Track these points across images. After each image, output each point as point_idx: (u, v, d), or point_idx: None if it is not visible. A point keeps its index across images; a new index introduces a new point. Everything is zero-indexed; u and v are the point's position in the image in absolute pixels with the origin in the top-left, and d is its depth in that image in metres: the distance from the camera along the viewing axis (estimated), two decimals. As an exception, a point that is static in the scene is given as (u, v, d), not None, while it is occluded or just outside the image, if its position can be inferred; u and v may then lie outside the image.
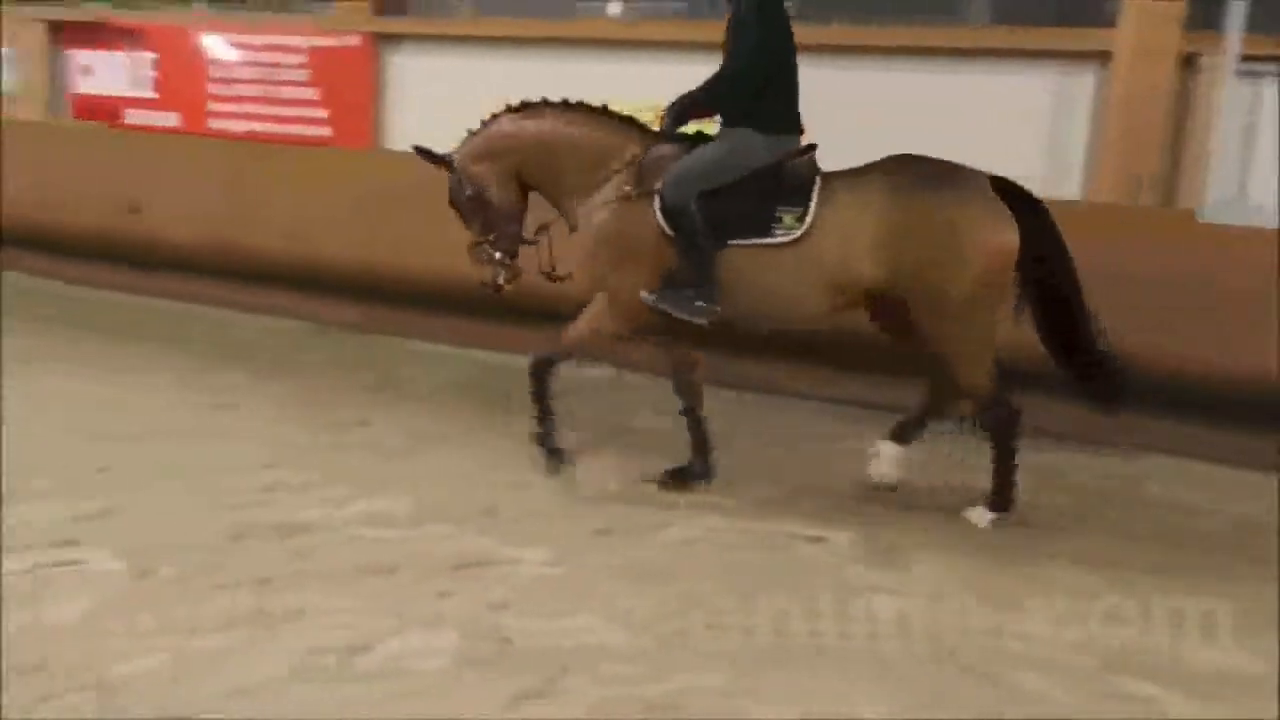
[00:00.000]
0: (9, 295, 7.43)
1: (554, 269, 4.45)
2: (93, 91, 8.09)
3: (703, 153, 4.22)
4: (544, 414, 4.39)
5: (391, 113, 8.41)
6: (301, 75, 8.28)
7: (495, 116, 4.47)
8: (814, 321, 4.27)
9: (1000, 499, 4.18)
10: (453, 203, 4.46)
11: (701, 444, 4.49)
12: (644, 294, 4.20)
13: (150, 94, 7.96)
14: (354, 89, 8.14)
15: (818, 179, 4.14)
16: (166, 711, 2.70)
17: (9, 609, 3.15)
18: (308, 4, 8.37)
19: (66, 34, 8.18)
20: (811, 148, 4.25)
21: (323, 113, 8.28)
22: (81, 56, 8.08)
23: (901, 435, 4.38)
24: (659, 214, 4.17)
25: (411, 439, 4.39)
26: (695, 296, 4.13)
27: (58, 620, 3.12)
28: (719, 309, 4.15)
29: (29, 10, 8.48)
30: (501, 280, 4.42)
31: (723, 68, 4.19)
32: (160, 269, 7.47)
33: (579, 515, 4.04)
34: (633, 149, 4.30)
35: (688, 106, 4.21)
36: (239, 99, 7.91)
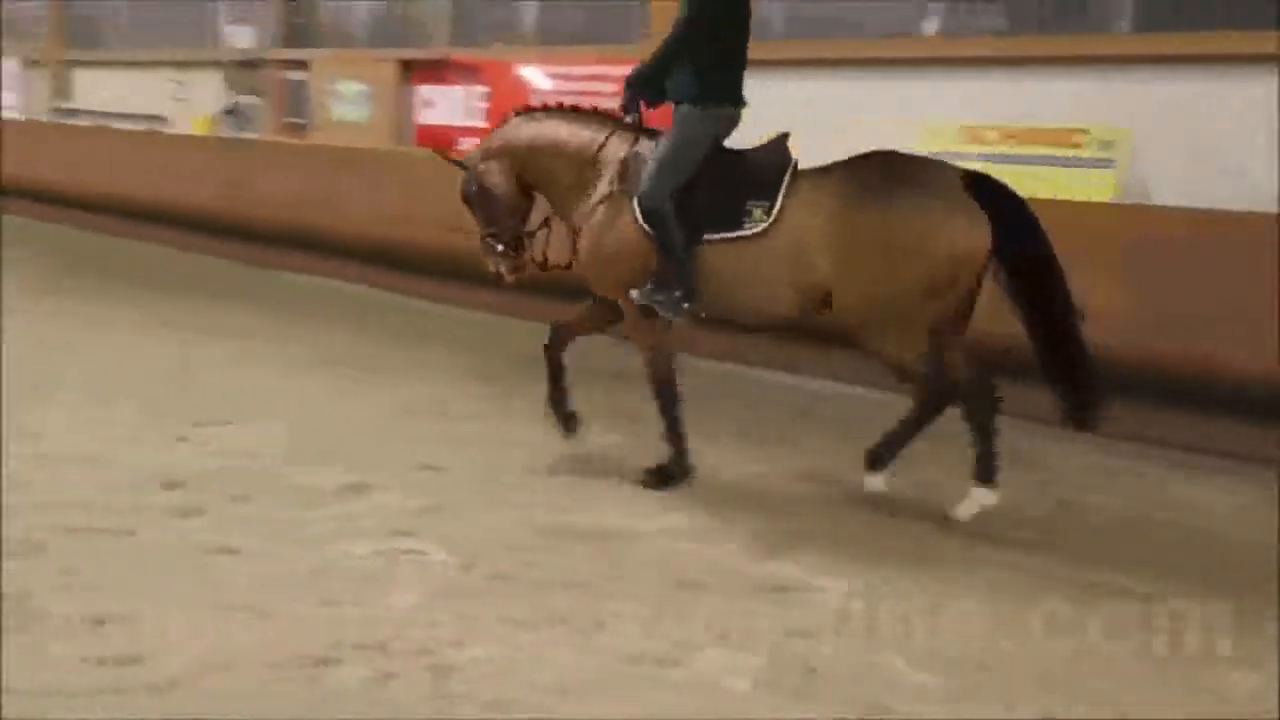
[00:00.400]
0: (357, 308, 8.25)
1: (545, 259, 4.70)
2: (433, 122, 8.86)
3: (660, 148, 4.33)
4: (675, 426, 4.45)
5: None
6: (614, 103, 8.65)
7: (505, 118, 4.78)
8: (788, 319, 4.29)
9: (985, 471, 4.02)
10: (463, 197, 4.76)
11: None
12: (632, 292, 4.32)
13: (481, 124, 8.60)
14: (661, 114, 8.39)
15: (789, 172, 4.11)
16: (496, 700, 2.84)
17: (356, 590, 3.46)
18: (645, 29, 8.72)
19: (415, 72, 9.04)
20: (784, 136, 4.24)
21: (632, 138, 8.61)
22: (425, 91, 8.90)
23: (876, 461, 4.32)
24: (639, 216, 4.28)
25: (718, 457, 4.48)
26: (676, 294, 4.22)
27: (397, 604, 3.37)
28: (699, 307, 4.24)
29: (387, 51, 9.47)
30: (505, 270, 4.74)
31: (660, 45, 4.33)
32: (478, 284, 8.02)
33: (886, 546, 3.92)
34: (597, 140, 4.48)
35: (632, 83, 4.39)
36: (557, 127, 8.36)
